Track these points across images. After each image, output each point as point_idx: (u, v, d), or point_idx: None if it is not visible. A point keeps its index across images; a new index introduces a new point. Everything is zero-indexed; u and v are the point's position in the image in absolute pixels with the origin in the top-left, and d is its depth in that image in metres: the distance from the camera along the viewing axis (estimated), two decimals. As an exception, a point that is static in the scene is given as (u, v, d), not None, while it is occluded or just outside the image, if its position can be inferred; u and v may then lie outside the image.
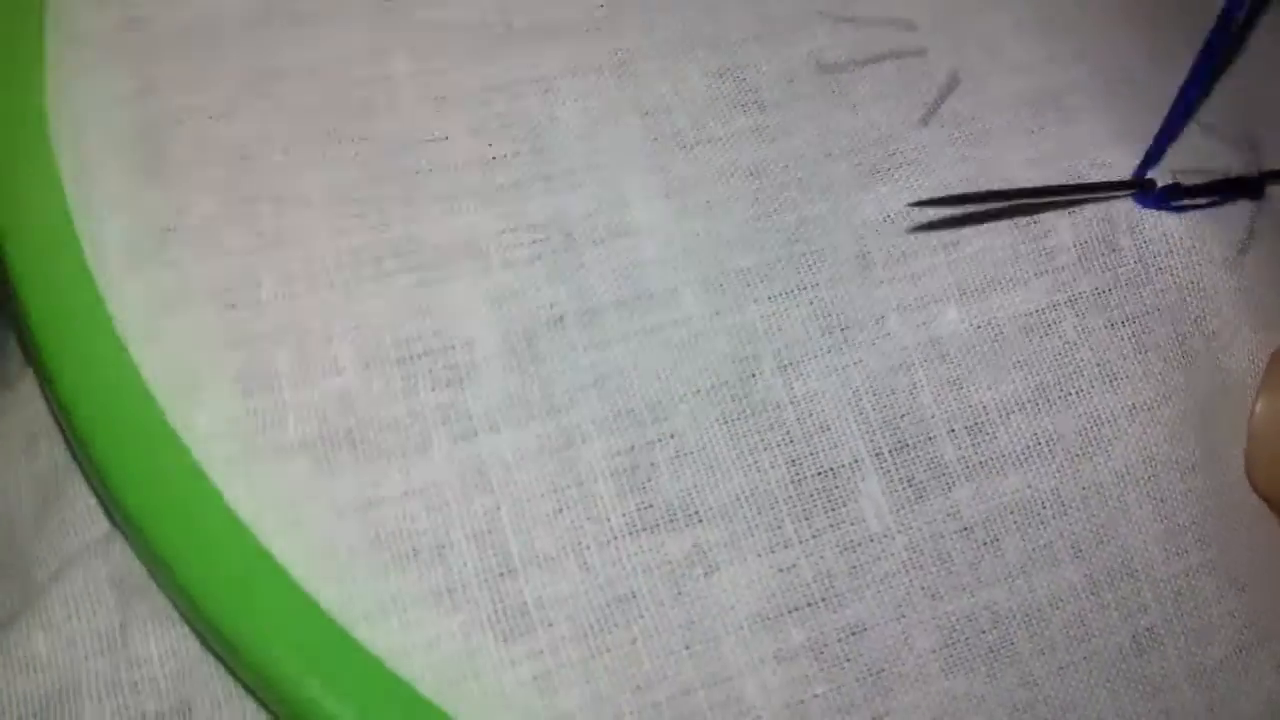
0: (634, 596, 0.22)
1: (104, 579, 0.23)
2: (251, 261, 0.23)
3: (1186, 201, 0.26)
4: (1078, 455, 0.25)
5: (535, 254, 0.24)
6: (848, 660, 0.23)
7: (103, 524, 0.23)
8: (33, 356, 0.23)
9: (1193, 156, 0.27)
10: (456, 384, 0.23)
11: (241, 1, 0.25)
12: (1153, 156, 0.26)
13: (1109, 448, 0.25)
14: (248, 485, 0.22)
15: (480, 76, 0.26)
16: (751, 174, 0.26)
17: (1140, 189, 0.26)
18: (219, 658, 0.22)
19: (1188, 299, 0.26)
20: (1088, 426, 0.25)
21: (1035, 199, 0.26)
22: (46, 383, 0.23)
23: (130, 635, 0.22)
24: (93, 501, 0.23)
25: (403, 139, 0.25)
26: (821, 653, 0.23)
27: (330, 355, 0.23)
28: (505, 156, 0.25)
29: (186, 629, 0.23)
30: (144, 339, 0.22)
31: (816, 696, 0.22)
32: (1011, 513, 0.24)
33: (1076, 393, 0.25)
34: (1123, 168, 0.27)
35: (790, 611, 0.23)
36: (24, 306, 0.22)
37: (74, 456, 0.24)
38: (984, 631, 0.24)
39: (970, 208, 0.25)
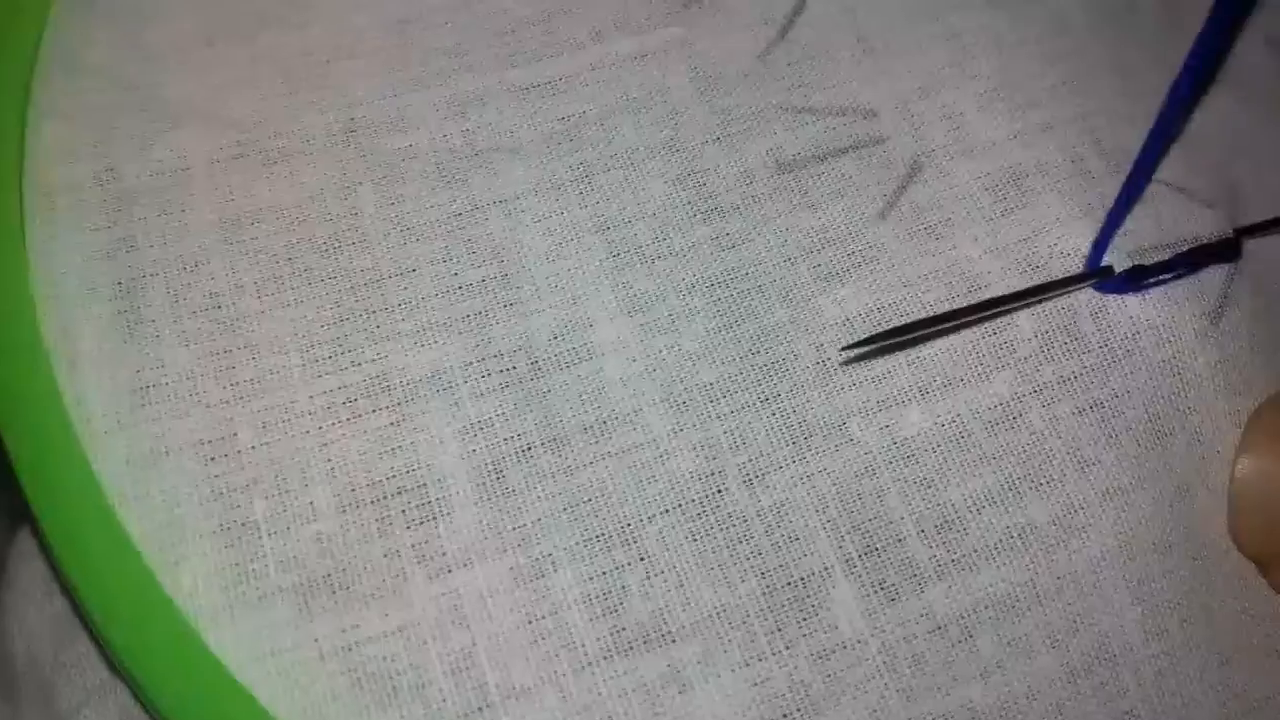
0: (610, 720, 0.23)
1: (114, 715, 0.24)
2: (228, 413, 0.24)
3: (1153, 280, 0.26)
4: (1052, 545, 0.25)
5: (503, 383, 0.25)
6: (825, 770, 0.23)
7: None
8: (28, 517, 0.24)
9: (1164, 225, 0.27)
10: (430, 521, 0.24)
11: (211, 145, 0.26)
12: (1101, 245, 0.26)
13: (1084, 534, 0.25)
14: (233, 633, 0.23)
15: (445, 202, 0.27)
16: (712, 285, 0.27)
17: (1099, 278, 0.26)
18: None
19: (1159, 379, 0.26)
20: (1061, 515, 0.25)
21: (981, 314, 0.26)
22: (43, 543, 0.24)
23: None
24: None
25: (372, 274, 0.26)
26: (798, 765, 0.23)
27: (307, 501, 0.24)
28: (471, 285, 0.26)
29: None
30: (130, 497, 0.23)
31: (794, 810, 0.23)
32: (986, 608, 0.25)
33: (1048, 482, 0.25)
34: (1085, 248, 0.27)
35: (766, 725, 0.23)
36: (17, 472, 0.23)
37: (74, 609, 0.25)
38: (961, 732, 0.24)
39: (917, 332, 0.26)
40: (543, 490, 0.24)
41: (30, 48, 0.27)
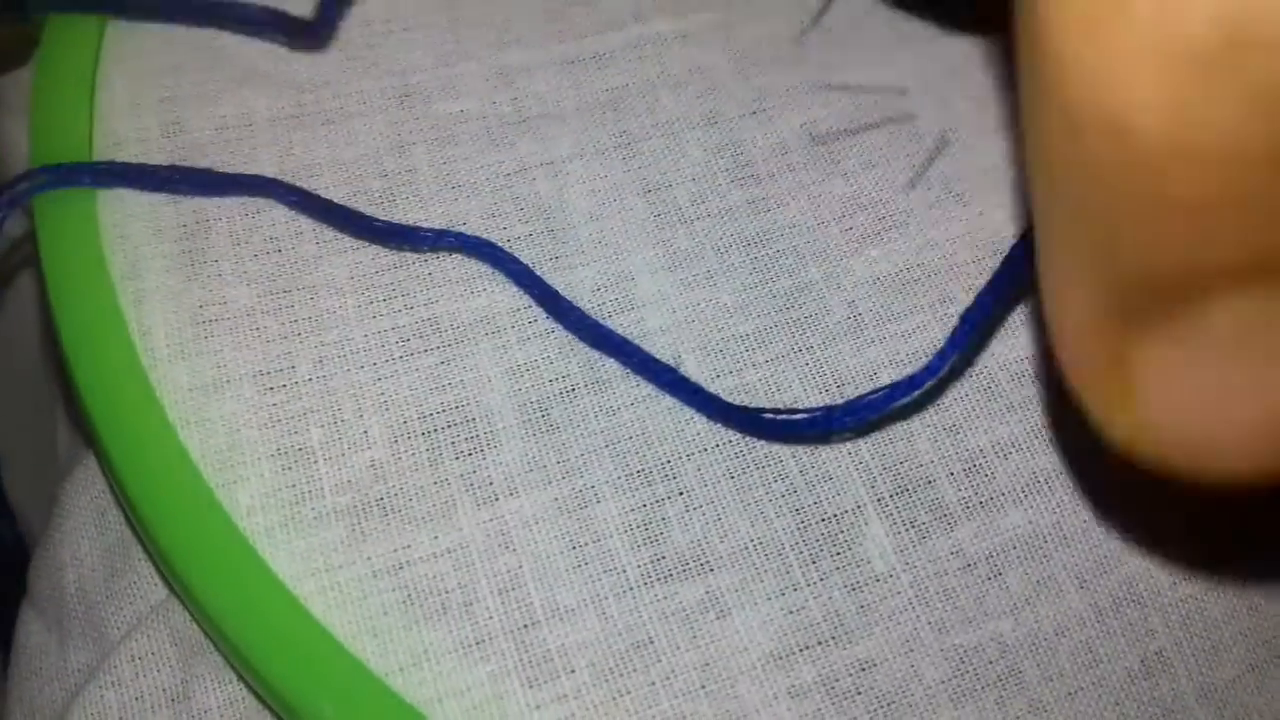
0: (651, 642, 0.24)
1: (166, 639, 0.25)
2: (287, 347, 0.25)
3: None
4: (1077, 490, 0.26)
5: (548, 329, 0.26)
6: (859, 694, 0.24)
7: (162, 589, 0.25)
8: (91, 441, 0.25)
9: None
10: (478, 453, 0.25)
11: (273, 104, 0.28)
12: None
13: (1108, 478, 0.26)
14: (289, 552, 0.23)
15: (494, 163, 0.28)
16: (748, 244, 0.28)
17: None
18: (271, 709, 0.24)
19: None
20: (1085, 459, 0.26)
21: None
22: (105, 465, 0.25)
23: (191, 690, 0.24)
24: (153, 570, 0.25)
25: (424, 227, 0.27)
26: (833, 688, 0.24)
27: (361, 430, 0.25)
28: (519, 239, 0.27)
29: (243, 685, 0.24)
30: (191, 422, 0.24)
31: (829, 731, 0.23)
32: (1014, 547, 0.25)
33: (1073, 427, 0.26)
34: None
35: (801, 650, 0.24)
36: (81, 396, 0.24)
37: (133, 530, 0.26)
38: (992, 662, 0.24)
39: None
40: (585, 428, 0.25)
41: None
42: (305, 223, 0.27)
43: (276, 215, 0.27)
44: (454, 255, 0.27)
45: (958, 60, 0.31)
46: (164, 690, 0.24)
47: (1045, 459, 0.26)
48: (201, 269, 0.26)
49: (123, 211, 0.26)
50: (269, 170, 0.27)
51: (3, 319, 0.28)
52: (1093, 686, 0.25)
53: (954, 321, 0.27)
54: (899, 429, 0.26)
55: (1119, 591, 0.25)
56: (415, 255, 0.27)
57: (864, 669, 0.24)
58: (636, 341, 0.26)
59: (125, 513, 0.25)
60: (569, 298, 0.26)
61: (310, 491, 0.24)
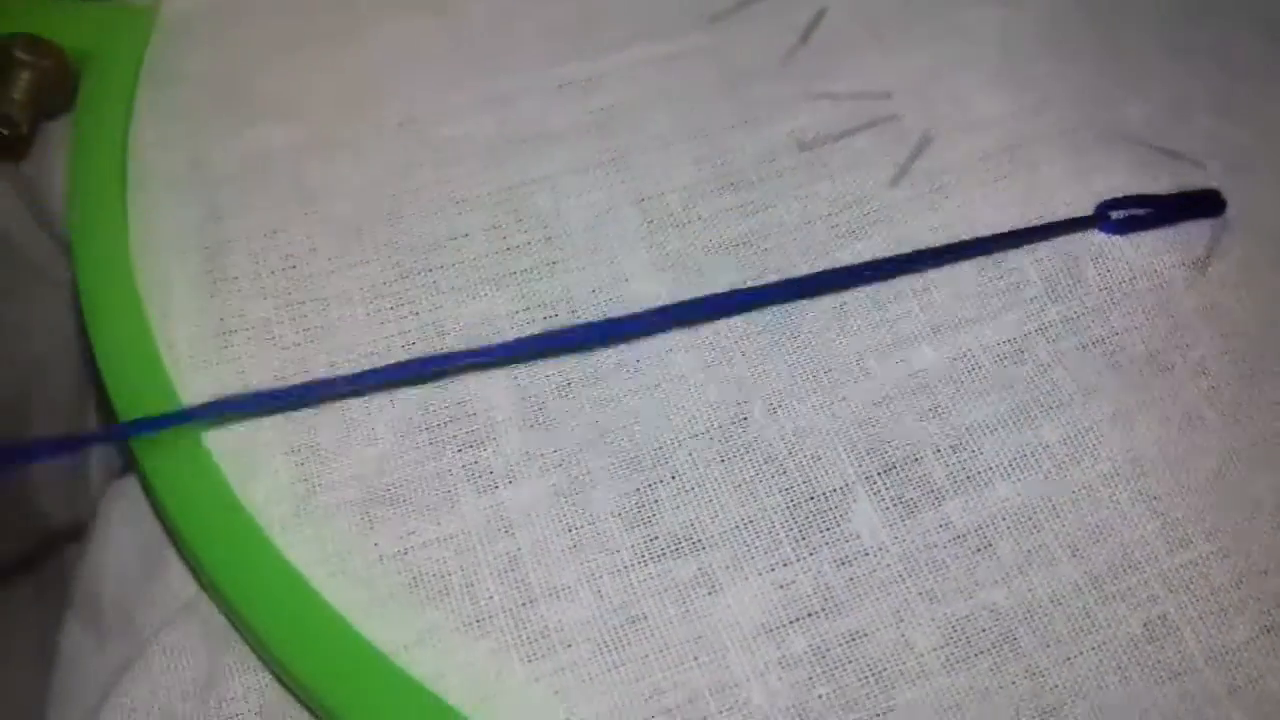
0: (645, 617, 0.25)
1: (197, 632, 0.26)
2: (300, 353, 0.27)
3: (1130, 219, 0.29)
4: (1064, 461, 0.26)
5: (546, 328, 0.28)
6: (849, 663, 0.24)
7: (193, 585, 0.27)
8: (122, 448, 0.27)
9: (1160, 183, 0.30)
10: (478, 445, 0.26)
11: (287, 134, 0.30)
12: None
13: (1095, 453, 0.27)
14: (301, 540, 0.25)
15: (495, 180, 0.30)
16: (737, 244, 0.29)
17: (1096, 224, 0.28)
18: (293, 692, 0.25)
19: (1155, 319, 0.28)
20: (1071, 435, 0.27)
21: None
22: (134, 466, 0.26)
23: (218, 679, 0.25)
24: (185, 567, 0.27)
25: (429, 239, 0.29)
26: (823, 657, 0.24)
27: (369, 427, 0.26)
28: (518, 247, 0.29)
29: (267, 673, 0.26)
30: (213, 423, 0.26)
31: (820, 697, 0.24)
32: (1003, 519, 0.26)
33: (1057, 406, 0.27)
34: (1082, 204, 0.29)
35: (792, 622, 0.25)
36: (113, 403, 0.26)
37: (165, 530, 0.27)
38: (985, 630, 0.25)
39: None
40: (580, 420, 0.27)
41: (135, 62, 0.31)
42: (320, 240, 0.28)
43: (294, 235, 0.29)
44: (455, 265, 0.28)
45: (939, 64, 0.32)
46: (193, 679, 0.26)
47: (1031, 434, 0.27)
48: (223, 285, 0.28)
49: (151, 233, 0.28)
50: (285, 196, 0.29)
51: (38, 338, 0.30)
52: (1092, 651, 0.25)
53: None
54: (884, 410, 0.27)
55: (1115, 559, 0.26)
56: (422, 268, 0.28)
57: (854, 639, 0.25)
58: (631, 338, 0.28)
59: (155, 510, 0.27)
60: (565, 301, 0.28)
61: (321, 484, 0.26)
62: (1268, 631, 0.25)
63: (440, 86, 0.31)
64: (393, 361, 0.27)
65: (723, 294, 0.27)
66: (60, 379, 0.30)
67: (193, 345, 0.27)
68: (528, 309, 0.28)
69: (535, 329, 0.28)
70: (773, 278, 0.29)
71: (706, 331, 0.28)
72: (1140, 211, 0.29)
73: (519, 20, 0.33)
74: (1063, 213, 0.29)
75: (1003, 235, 0.28)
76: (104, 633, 0.28)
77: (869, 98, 0.31)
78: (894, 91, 0.31)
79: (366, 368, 0.27)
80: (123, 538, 0.28)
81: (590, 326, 0.27)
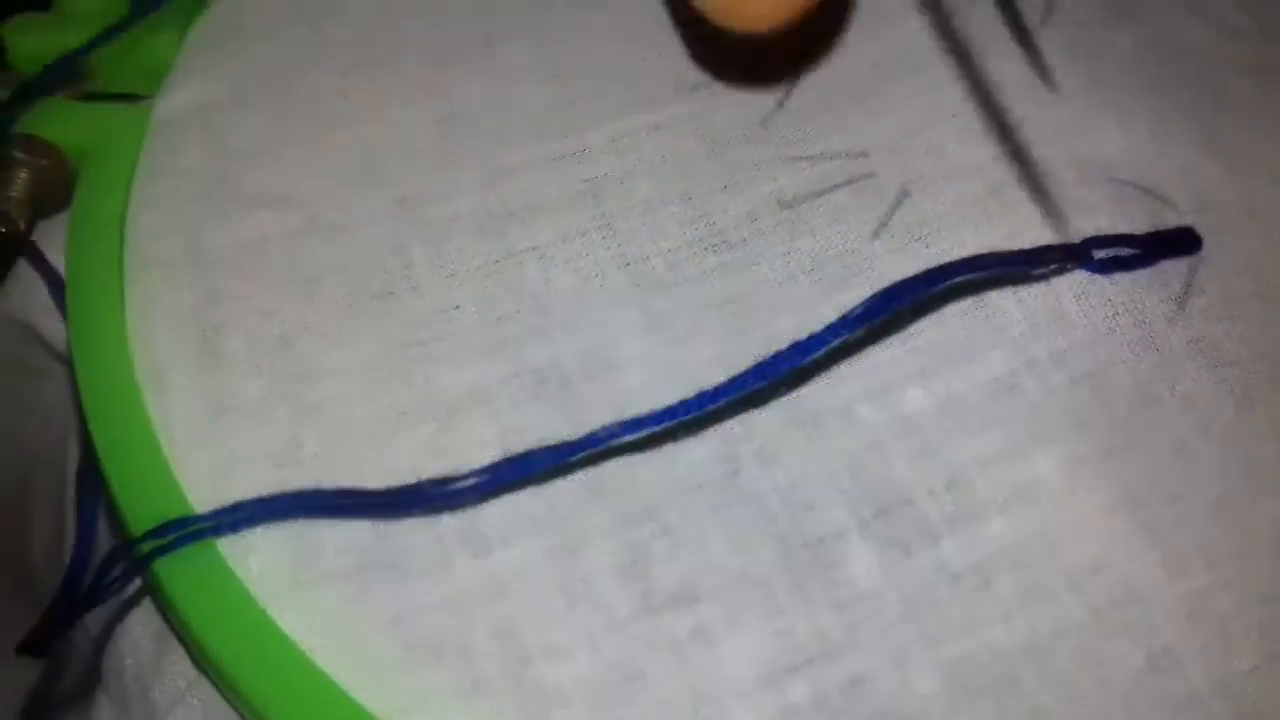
0: (643, 673, 0.24)
1: (199, 714, 0.26)
2: (294, 429, 0.27)
3: (1112, 259, 0.29)
4: (1060, 495, 0.26)
5: (536, 394, 0.28)
6: (850, 708, 0.24)
7: (193, 668, 0.27)
8: (121, 526, 0.27)
9: (1135, 222, 0.30)
10: (473, 509, 0.26)
11: (283, 221, 0.31)
12: None
13: (1090, 485, 0.26)
14: (295, 610, 0.25)
15: (485, 253, 0.30)
16: (723, 303, 0.29)
17: (1081, 260, 0.29)
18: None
19: (1141, 353, 0.28)
20: (1066, 467, 0.27)
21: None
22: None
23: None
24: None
25: (421, 313, 0.29)
26: (824, 704, 0.24)
27: (363, 496, 0.26)
28: (508, 316, 0.29)
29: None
30: (209, 500, 0.26)
31: (822, 745, 0.24)
32: (1001, 556, 0.26)
33: (1051, 439, 0.27)
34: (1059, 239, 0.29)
35: (790, 670, 0.24)
36: (110, 483, 0.27)
37: (160, 612, 0.27)
38: (986, 669, 0.24)
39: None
40: (572, 480, 0.27)
41: (132, 157, 0.32)
42: (312, 319, 0.29)
43: (288, 315, 0.29)
44: (446, 338, 0.29)
45: (915, 121, 0.32)
46: (195, 759, 0.26)
47: (1025, 469, 0.27)
48: (218, 367, 0.28)
49: (148, 318, 0.29)
50: (280, 279, 0.30)
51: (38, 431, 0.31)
52: (1097, 687, 0.24)
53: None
54: (875, 455, 0.27)
55: (1115, 592, 0.25)
56: (414, 341, 0.29)
57: (855, 684, 0.24)
58: (619, 400, 0.28)
59: (151, 593, 0.27)
60: (554, 367, 0.28)
61: (315, 555, 0.26)
62: (1271, 660, 0.25)
63: (434, 167, 0.32)
64: (390, 431, 0.27)
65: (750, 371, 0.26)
66: (54, 474, 0.31)
67: (188, 426, 0.27)
68: (518, 375, 0.28)
69: (526, 395, 0.28)
70: (758, 334, 0.29)
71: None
72: (1124, 252, 0.29)
73: (516, 100, 0.34)
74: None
75: (993, 261, 0.28)
76: (129, 709, 0.28)
77: (846, 157, 0.32)
78: (871, 150, 0.32)
79: (358, 440, 0.27)
80: (140, 617, 0.29)
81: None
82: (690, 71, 0.34)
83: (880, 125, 0.33)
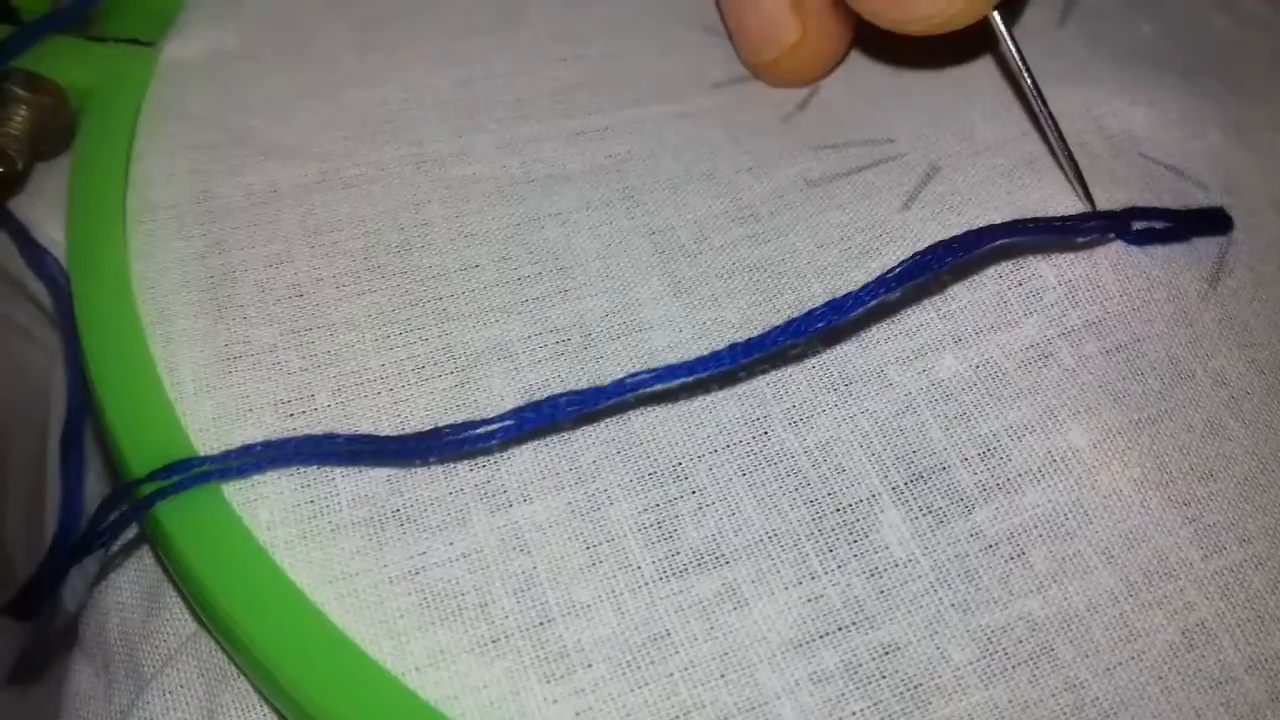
0: (668, 634, 0.23)
1: (194, 672, 0.25)
2: (307, 379, 0.26)
3: (1145, 233, 0.28)
4: (1094, 466, 0.26)
5: (558, 352, 0.27)
6: (883, 677, 0.23)
7: (191, 623, 0.26)
8: (120, 474, 0.26)
9: (1164, 201, 0.29)
10: (492, 464, 0.25)
11: (297, 172, 0.30)
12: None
13: (1124, 457, 0.26)
14: (307, 562, 0.24)
15: (505, 216, 0.30)
16: (751, 270, 0.29)
17: (1121, 228, 0.28)
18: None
19: (1174, 328, 0.28)
20: (1100, 439, 0.26)
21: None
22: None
23: (217, 717, 0.24)
24: (183, 606, 0.26)
25: (439, 269, 0.28)
26: (856, 672, 0.23)
27: (378, 448, 0.25)
28: (529, 277, 0.28)
29: (266, 708, 0.24)
30: (216, 448, 0.25)
31: (854, 714, 0.23)
32: (1035, 526, 0.25)
33: (1085, 410, 0.26)
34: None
35: (822, 636, 0.24)
36: (111, 430, 0.25)
37: (162, 567, 0.26)
38: (1021, 641, 0.24)
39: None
40: (596, 436, 0.26)
41: (137, 101, 0.31)
42: (326, 270, 0.28)
43: (300, 265, 0.28)
44: (465, 294, 0.28)
45: (939, 113, 0.32)
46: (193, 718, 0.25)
47: (1060, 439, 0.26)
48: (227, 313, 0.27)
49: (153, 265, 0.28)
50: (293, 229, 0.29)
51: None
52: (1132, 661, 0.24)
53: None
54: (909, 420, 0.26)
55: (1150, 565, 0.25)
56: (431, 296, 0.28)
57: (887, 653, 0.24)
58: (644, 359, 0.27)
59: (152, 544, 0.26)
60: (578, 326, 0.27)
61: (328, 506, 0.25)
62: None
63: (454, 130, 0.31)
64: (406, 384, 0.26)
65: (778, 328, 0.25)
66: (32, 439, 0.30)
67: (196, 372, 0.26)
68: (540, 334, 0.27)
69: (547, 353, 0.27)
70: (788, 298, 0.28)
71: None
72: (1159, 225, 0.28)
73: (537, 78, 0.33)
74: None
75: (1034, 226, 0.27)
76: (112, 677, 0.27)
77: (872, 143, 0.31)
78: (898, 137, 0.32)
79: (374, 392, 0.26)
80: (127, 575, 0.28)
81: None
82: (711, 70, 0.34)
83: (905, 117, 0.32)
